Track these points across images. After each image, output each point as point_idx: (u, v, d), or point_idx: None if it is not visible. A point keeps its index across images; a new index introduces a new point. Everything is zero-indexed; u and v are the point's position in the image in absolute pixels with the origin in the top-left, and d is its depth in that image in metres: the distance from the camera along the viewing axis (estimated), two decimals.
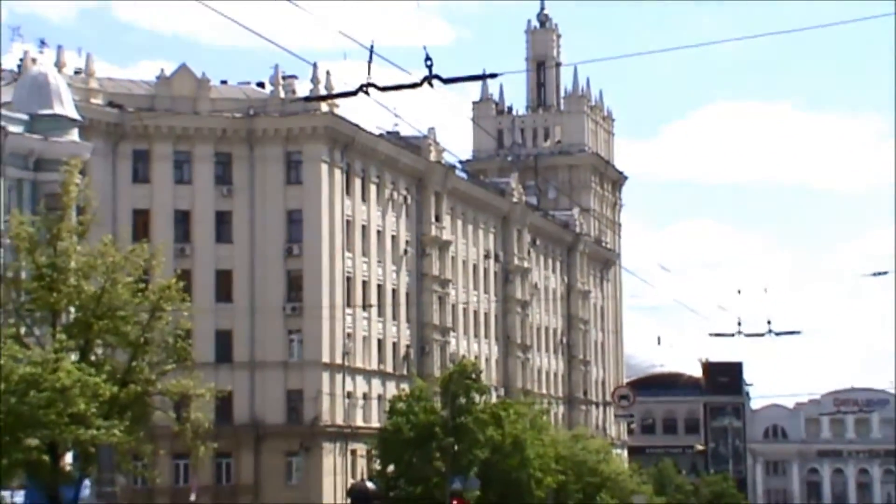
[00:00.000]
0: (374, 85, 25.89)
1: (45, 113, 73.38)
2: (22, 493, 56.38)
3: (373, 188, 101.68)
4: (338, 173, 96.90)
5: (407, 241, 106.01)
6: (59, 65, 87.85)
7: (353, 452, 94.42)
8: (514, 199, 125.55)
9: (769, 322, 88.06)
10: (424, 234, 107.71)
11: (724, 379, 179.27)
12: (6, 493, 56.09)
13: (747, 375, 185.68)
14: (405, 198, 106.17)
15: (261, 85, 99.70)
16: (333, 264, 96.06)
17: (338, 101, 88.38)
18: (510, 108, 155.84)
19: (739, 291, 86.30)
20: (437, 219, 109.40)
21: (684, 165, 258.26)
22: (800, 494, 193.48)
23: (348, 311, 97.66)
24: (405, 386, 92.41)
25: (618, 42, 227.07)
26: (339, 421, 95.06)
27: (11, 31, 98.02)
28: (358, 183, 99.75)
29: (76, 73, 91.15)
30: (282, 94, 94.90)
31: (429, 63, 26.43)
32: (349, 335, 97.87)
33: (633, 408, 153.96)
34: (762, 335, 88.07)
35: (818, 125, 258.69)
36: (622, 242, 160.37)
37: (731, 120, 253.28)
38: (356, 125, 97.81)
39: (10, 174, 68.12)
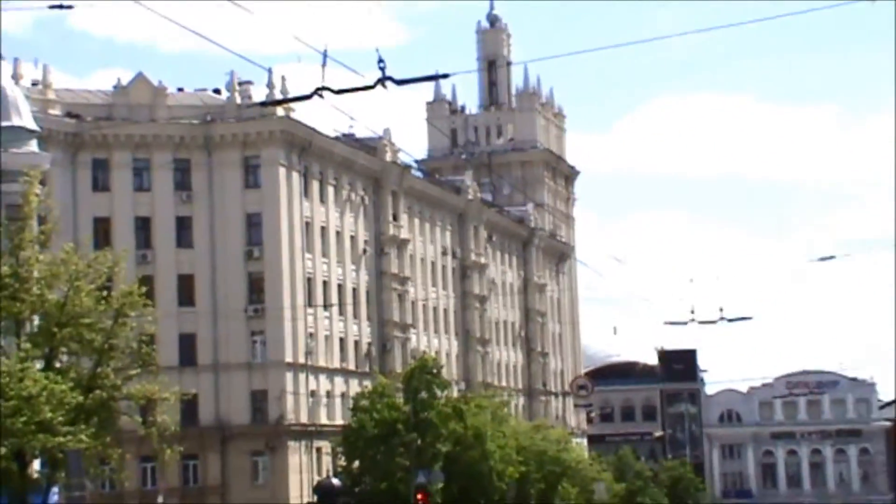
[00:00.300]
0: (328, 88, 26.19)
1: (3, 125, 73.31)
2: None
3: (330, 190, 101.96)
4: (295, 176, 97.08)
5: (365, 241, 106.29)
6: (15, 76, 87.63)
7: (319, 450, 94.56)
8: (470, 197, 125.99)
9: (721, 309, 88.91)
10: (382, 234, 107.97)
11: (679, 366, 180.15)
12: None
13: (701, 362, 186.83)
14: (363, 198, 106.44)
15: (217, 91, 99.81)
16: (294, 266, 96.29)
17: (293, 105, 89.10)
18: (463, 108, 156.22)
19: (692, 280, 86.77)
20: (395, 218, 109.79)
21: (635, 158, 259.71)
22: (755, 476, 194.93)
23: (310, 311, 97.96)
24: (368, 383, 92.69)
25: (568, 40, 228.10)
26: (304, 419, 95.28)
27: None
28: (316, 185, 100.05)
29: (33, 84, 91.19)
30: (238, 100, 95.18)
31: (382, 65, 26.70)
32: (311, 335, 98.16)
33: (592, 397, 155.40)
34: (715, 322, 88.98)
35: (761, 116, 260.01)
36: (576, 236, 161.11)
37: (680, 112, 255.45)
38: (312, 128, 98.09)
39: None
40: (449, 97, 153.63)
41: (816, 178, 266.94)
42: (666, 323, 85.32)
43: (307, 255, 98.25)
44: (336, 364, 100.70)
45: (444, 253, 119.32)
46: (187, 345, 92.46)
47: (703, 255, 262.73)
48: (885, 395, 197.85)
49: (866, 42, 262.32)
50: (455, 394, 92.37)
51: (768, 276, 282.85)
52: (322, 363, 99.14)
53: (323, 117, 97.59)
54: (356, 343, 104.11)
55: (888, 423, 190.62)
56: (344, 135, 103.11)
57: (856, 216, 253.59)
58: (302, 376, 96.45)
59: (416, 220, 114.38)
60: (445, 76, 33.48)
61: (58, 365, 55.09)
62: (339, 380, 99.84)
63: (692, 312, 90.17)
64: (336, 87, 26.55)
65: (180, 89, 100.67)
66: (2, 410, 50.10)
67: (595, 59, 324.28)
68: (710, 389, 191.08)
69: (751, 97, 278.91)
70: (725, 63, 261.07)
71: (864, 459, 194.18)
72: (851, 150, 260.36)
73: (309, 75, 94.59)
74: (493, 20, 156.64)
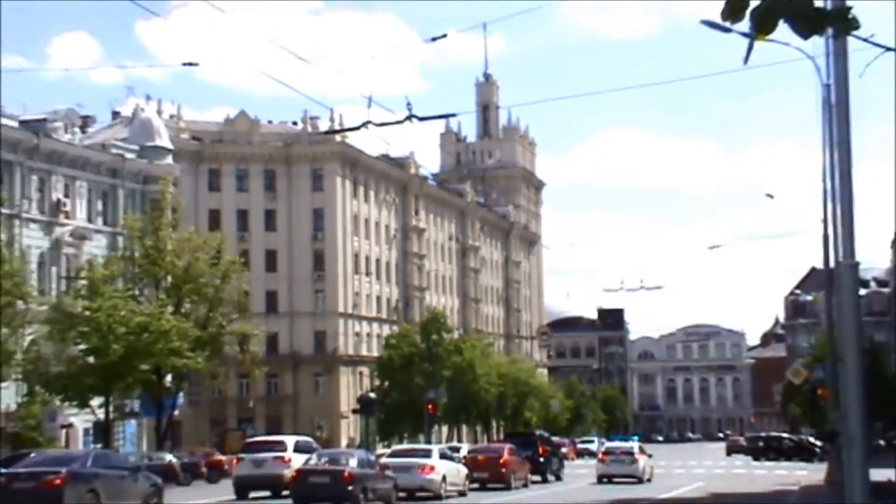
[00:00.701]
0: (371, 122, 26.21)
1: (149, 145, 73.59)
2: (138, 402, 56.76)
3: (371, 193, 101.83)
4: (347, 183, 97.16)
5: (395, 229, 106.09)
6: (159, 112, 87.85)
7: (360, 374, 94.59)
8: (468, 200, 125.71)
9: (642, 280, 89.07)
10: (406, 224, 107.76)
11: (612, 320, 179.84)
12: (128, 402, 56.52)
13: (627, 317, 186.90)
14: (393, 199, 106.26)
15: (294, 123, 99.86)
16: (345, 245, 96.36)
17: (347, 133, 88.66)
18: (465, 137, 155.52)
19: (622, 260, 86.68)
20: (416, 213, 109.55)
21: (586, 174, 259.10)
22: (662, 396, 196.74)
23: (355, 277, 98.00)
24: (395, 328, 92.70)
25: (540, 89, 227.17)
26: (350, 352, 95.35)
27: (127, 90, 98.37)
28: (361, 190, 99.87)
29: (170, 117, 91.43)
30: (309, 129, 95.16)
31: (409, 107, 26.66)
32: (356, 294, 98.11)
33: (550, 341, 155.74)
34: (637, 289, 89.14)
35: (667, 146, 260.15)
36: (542, 228, 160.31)
37: (617, 142, 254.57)
38: (360, 150, 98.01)
39: (127, 186, 68.53)
40: (455, 130, 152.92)
41: (709, 188, 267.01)
42: (604, 290, 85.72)
43: (354, 238, 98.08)
44: (373, 314, 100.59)
45: (450, 238, 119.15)
46: (271, 298, 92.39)
47: (633, 243, 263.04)
48: (751, 341, 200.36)
49: (742, 99, 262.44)
50: (455, 336, 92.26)
51: (676, 258, 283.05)
52: (363, 313, 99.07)
53: (367, 142, 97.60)
54: (388, 300, 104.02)
55: (752, 361, 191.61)
56: (381, 155, 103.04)
57: (737, 217, 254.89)
58: (349, 322, 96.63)
59: (431, 216, 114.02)
60: (453, 115, 33.67)
61: (183, 310, 55.57)
62: (375, 325, 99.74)
63: (622, 283, 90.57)
64: (377, 121, 26.54)
65: (269, 121, 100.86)
66: (145, 340, 50.47)
67: (558, 104, 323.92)
68: (632, 336, 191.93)
69: (657, 132, 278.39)
70: (645, 108, 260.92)
71: (735, 386, 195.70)
72: (731, 169, 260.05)
73: (359, 113, 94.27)
74: (487, 76, 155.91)
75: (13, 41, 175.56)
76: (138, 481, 30.67)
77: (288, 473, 34.25)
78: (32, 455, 33.21)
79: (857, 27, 3.48)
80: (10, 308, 43.46)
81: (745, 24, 3.53)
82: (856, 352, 16.15)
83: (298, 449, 39.04)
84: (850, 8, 3.37)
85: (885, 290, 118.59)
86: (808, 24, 3.36)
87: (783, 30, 3.54)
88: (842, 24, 3.39)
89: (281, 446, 39.47)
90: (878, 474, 21.24)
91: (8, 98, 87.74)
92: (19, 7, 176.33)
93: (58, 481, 26.70)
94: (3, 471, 28.94)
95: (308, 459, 35.63)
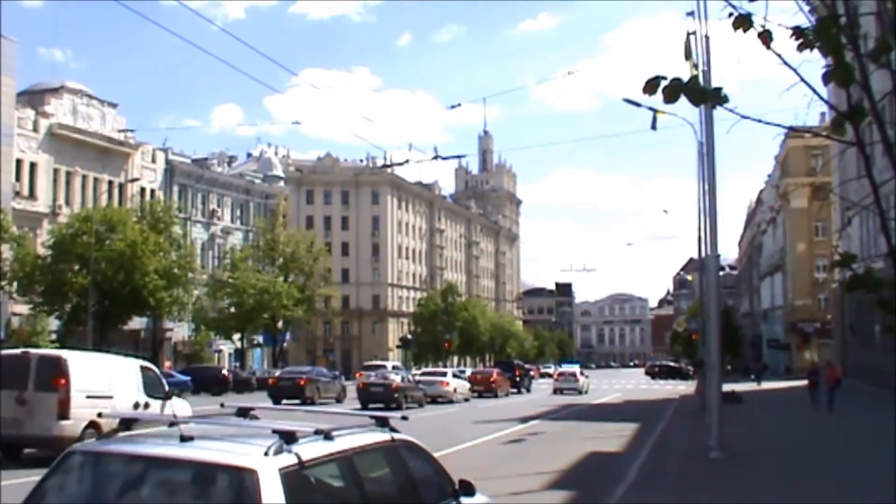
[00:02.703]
0: (409, 160, 26.88)
1: (270, 174, 74.06)
2: (261, 337, 57.29)
3: (410, 207, 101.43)
4: (394, 200, 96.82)
5: (425, 230, 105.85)
6: (276, 153, 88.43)
7: (402, 322, 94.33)
8: (473, 212, 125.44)
9: (584, 265, 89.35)
10: (433, 227, 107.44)
11: (564, 290, 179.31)
12: (255, 337, 57.14)
13: (574, 288, 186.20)
14: (424, 211, 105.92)
15: (361, 161, 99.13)
16: (392, 240, 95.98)
17: (395, 168, 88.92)
18: (471, 171, 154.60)
19: (572, 252, 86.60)
20: (439, 220, 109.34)
21: (551, 195, 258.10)
22: (595, 339, 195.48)
23: (399, 260, 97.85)
24: (424, 293, 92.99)
25: (520, 139, 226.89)
26: (395, 308, 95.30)
27: (257, 140, 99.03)
28: (403, 204, 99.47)
29: (283, 156, 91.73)
30: (370, 165, 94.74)
31: (436, 150, 27.59)
32: (399, 271, 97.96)
33: (524, 303, 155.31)
34: (581, 271, 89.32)
35: (606, 178, 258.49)
36: (520, 230, 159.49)
37: (571, 175, 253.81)
38: (402, 178, 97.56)
39: (256, 201, 68.75)
40: (465, 166, 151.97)
41: (627, 205, 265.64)
42: (560, 270, 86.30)
43: (398, 235, 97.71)
44: (410, 284, 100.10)
45: (461, 237, 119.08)
46: (345, 273, 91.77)
47: (578, 240, 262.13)
48: (652, 304, 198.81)
49: (649, 149, 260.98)
50: (463, 300, 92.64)
51: (605, 250, 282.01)
52: (404, 283, 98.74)
53: (408, 173, 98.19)
54: (420, 275, 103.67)
55: (652, 317, 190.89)
56: (416, 181, 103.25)
57: (644, 224, 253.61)
58: (395, 289, 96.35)
59: (448, 221, 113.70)
60: (464, 156, 34.79)
61: (290, 280, 55.88)
62: (411, 292, 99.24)
63: (571, 266, 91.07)
64: (415, 160, 27.39)
65: (346, 160, 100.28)
66: (265, 299, 51.02)
67: (531, 150, 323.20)
68: (577, 301, 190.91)
69: (595, 170, 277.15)
70: (587, 154, 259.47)
71: (641, 333, 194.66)
72: (641, 194, 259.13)
73: (403, 154, 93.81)
74: (485, 132, 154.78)
75: (188, 107, 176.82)
76: (333, 381, 36.63)
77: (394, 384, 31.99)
78: (286, 368, 41.58)
79: (726, 101, 3.42)
80: (185, 277, 44.25)
81: (652, 101, 3.45)
82: (715, 311, 16.95)
83: (395, 368, 44.24)
84: (721, 88, 3.38)
85: (734, 272, 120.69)
86: (697, 97, 3.34)
87: (675, 107, 3.42)
88: (717, 98, 3.39)
89: (384, 368, 42.82)
90: (726, 387, 22.00)
91: (185, 145, 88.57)
92: (193, 87, 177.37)
93: (302, 382, 33.73)
94: (277, 373, 37.18)
95: (369, 376, 36.26)
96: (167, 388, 17.04)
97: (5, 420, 13.99)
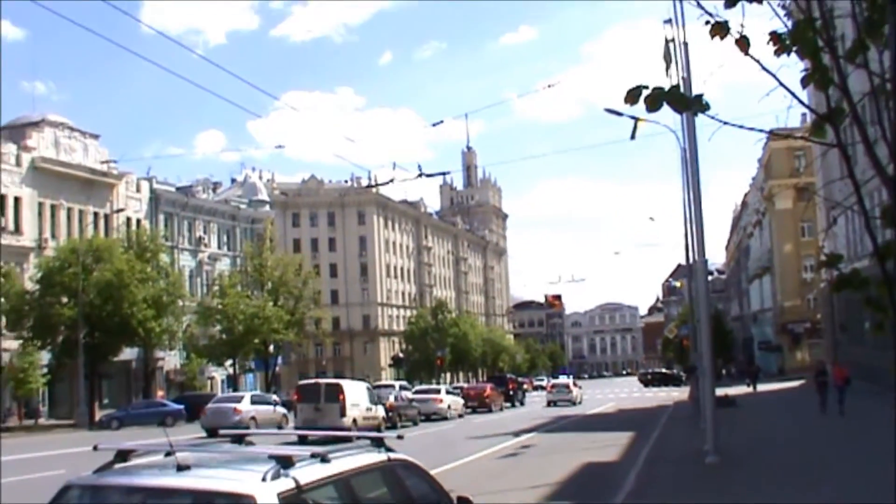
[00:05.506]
0: (394, 179, 26.42)
1: (255, 199, 73.94)
2: (253, 362, 56.81)
3: (396, 225, 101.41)
4: (381, 219, 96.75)
5: (412, 249, 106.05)
6: (260, 177, 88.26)
7: (393, 341, 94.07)
8: (459, 227, 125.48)
9: (573, 275, 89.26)
10: (420, 244, 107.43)
11: (555, 302, 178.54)
12: (247, 362, 56.69)
13: (564, 299, 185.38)
14: (411, 228, 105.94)
15: (346, 181, 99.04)
16: (380, 259, 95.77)
17: (380, 187, 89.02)
18: (456, 187, 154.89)
19: (560, 263, 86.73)
20: (426, 237, 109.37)
21: (537, 209, 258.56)
22: (586, 349, 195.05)
23: (387, 279, 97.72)
24: (414, 311, 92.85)
25: (505, 153, 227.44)
26: (386, 328, 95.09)
27: (241, 165, 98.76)
28: (389, 223, 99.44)
29: (267, 181, 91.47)
30: (355, 185, 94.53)
31: (420, 168, 27.78)
32: (389, 290, 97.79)
33: (515, 316, 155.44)
34: (570, 281, 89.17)
35: (590, 187, 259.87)
36: (507, 244, 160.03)
37: (556, 187, 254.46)
38: (388, 197, 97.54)
39: (242, 226, 68.63)
40: (450, 182, 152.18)
41: (613, 215, 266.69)
42: (549, 282, 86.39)
43: (386, 254, 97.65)
44: (400, 303, 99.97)
45: (448, 253, 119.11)
46: (334, 294, 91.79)
47: (566, 251, 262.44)
48: (642, 312, 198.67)
49: (633, 157, 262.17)
50: (454, 316, 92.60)
51: (593, 260, 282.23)
52: (394, 302, 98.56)
53: (393, 192, 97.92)
54: (409, 293, 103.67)
55: (643, 325, 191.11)
56: (402, 200, 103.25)
57: (631, 232, 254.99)
58: (385, 308, 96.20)
59: (435, 238, 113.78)
60: (448, 173, 34.14)
61: (279, 303, 55.52)
62: (401, 310, 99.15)
63: (559, 277, 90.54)
64: (399, 178, 26.87)
65: (330, 181, 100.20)
66: (256, 323, 50.70)
67: (515, 163, 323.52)
68: (567, 312, 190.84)
69: (577, 179, 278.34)
70: (569, 164, 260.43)
71: (632, 341, 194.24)
72: (627, 203, 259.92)
73: (387, 173, 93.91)
74: (469, 147, 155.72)
75: (171, 135, 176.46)
76: (276, 409, 34.82)
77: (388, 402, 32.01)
78: (217, 396, 39.71)
79: (708, 108, 3.44)
80: (174, 304, 44.02)
81: (634, 111, 3.46)
82: (706, 316, 16.95)
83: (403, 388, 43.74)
84: (702, 95, 3.39)
85: (722, 276, 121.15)
86: (679, 104, 3.37)
87: (657, 114, 3.44)
88: (698, 106, 3.42)
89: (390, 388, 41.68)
90: (719, 392, 21.98)
91: (170, 173, 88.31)
92: (176, 115, 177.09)
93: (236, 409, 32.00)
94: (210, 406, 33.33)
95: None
96: (378, 398, 28.96)
97: (306, 419, 25.68)
